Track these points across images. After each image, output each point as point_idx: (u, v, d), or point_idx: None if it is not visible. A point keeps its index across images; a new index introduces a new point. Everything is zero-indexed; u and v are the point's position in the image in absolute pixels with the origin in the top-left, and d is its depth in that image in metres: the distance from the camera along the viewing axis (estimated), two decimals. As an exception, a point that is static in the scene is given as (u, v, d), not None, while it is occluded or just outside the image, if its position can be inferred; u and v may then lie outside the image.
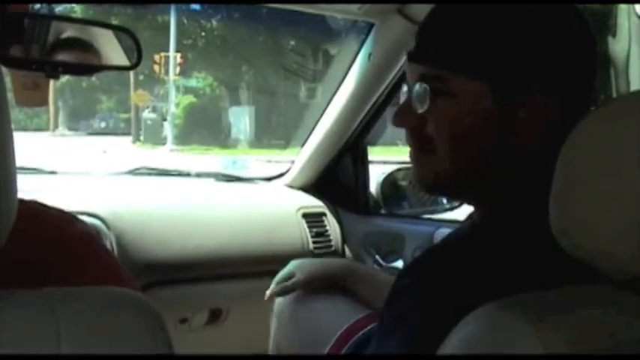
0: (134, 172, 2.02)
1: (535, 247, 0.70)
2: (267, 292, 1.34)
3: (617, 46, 6.79)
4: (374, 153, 1.98)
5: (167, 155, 13.22)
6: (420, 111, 0.79)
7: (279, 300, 1.35)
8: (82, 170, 2.08)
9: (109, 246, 1.52)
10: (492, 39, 0.76)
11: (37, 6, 1.13)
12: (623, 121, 0.60)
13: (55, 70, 1.06)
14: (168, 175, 2.10)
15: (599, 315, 0.59)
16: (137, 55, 1.11)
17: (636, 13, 6.80)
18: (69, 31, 1.10)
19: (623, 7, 6.92)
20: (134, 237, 1.59)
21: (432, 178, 0.82)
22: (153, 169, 2.09)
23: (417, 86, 0.79)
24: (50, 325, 0.50)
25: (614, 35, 6.84)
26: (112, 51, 1.11)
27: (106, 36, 1.12)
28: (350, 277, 1.31)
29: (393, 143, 4.35)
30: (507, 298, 0.60)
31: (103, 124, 21.27)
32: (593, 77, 0.79)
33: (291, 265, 1.35)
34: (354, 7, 1.48)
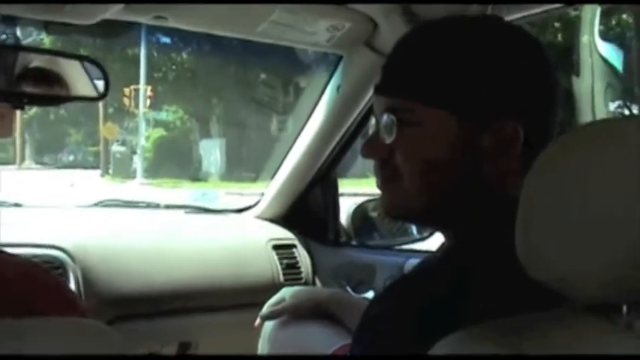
0: (101, 204, 1.99)
1: (505, 274, 0.70)
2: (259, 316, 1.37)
3: (582, 84, 6.95)
4: (344, 185, 1.98)
5: (137, 189, 13.07)
6: (388, 142, 0.81)
7: (267, 323, 1.37)
8: (47, 203, 2.05)
9: (74, 279, 1.49)
10: (452, 68, 0.78)
11: (3, 36, 1.12)
12: (585, 150, 0.61)
13: (21, 101, 1.05)
14: (136, 207, 2.07)
15: (571, 340, 0.59)
16: (105, 85, 1.11)
17: (597, 51, 6.99)
18: (36, 62, 1.09)
19: (585, 44, 7.10)
20: (101, 270, 1.56)
21: (400, 206, 0.83)
22: (120, 200, 2.06)
23: (384, 117, 0.81)
24: (15, 355, 0.49)
25: (577, 74, 7.01)
26: (80, 81, 1.10)
27: (73, 66, 1.11)
28: (337, 305, 1.33)
29: (363, 175, 4.37)
30: (477, 325, 0.60)
31: (71, 157, 21.02)
32: (555, 103, 0.81)
33: (283, 291, 1.38)
34: (323, 39, 1.50)
